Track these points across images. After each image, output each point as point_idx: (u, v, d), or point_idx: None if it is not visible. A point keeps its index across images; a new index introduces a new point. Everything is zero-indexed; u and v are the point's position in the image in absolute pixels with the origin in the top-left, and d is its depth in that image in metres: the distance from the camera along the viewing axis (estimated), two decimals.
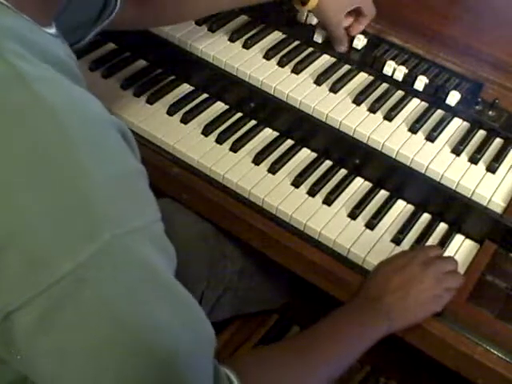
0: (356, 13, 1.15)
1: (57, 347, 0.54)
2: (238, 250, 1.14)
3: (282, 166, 1.07)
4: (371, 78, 1.14)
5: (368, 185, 1.07)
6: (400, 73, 1.12)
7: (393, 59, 1.13)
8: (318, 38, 1.18)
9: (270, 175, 1.05)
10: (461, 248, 0.99)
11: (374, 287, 0.90)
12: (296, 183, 1.04)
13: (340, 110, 1.07)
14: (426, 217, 1.03)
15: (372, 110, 1.07)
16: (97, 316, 0.54)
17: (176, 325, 0.58)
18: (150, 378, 0.56)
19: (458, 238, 1.01)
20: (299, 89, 1.10)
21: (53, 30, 0.67)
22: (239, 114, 1.15)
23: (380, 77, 1.13)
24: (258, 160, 1.06)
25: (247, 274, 1.16)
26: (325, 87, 1.11)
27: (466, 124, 1.09)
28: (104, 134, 0.60)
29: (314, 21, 1.20)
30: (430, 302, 0.89)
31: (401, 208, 1.04)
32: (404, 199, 1.05)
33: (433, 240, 0.99)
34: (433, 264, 0.91)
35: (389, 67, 1.12)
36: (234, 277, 1.13)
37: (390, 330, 0.87)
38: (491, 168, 1.01)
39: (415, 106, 1.10)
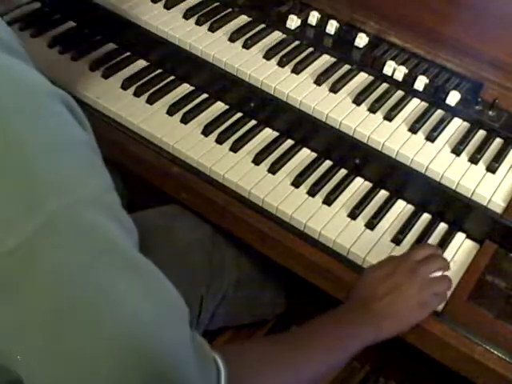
0: None
1: (14, 324, 0.54)
2: (237, 254, 1.14)
3: (282, 166, 1.07)
4: (371, 77, 1.14)
5: (368, 185, 1.07)
6: (400, 73, 1.12)
7: (393, 59, 1.13)
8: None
9: (269, 175, 1.05)
10: (461, 248, 0.99)
11: (362, 294, 0.89)
12: (296, 183, 1.04)
13: (340, 109, 1.07)
14: (425, 217, 1.03)
15: (372, 110, 1.07)
16: (50, 289, 0.53)
17: (136, 294, 0.56)
18: (111, 349, 0.54)
19: (458, 238, 1.01)
20: (299, 89, 1.10)
21: None
22: (239, 114, 1.15)
23: (380, 77, 1.13)
24: (257, 160, 1.06)
25: (243, 285, 1.16)
26: (325, 87, 1.11)
27: (465, 124, 1.09)
28: (42, 104, 0.58)
29: (314, 21, 1.20)
30: (417, 309, 0.88)
31: (401, 208, 1.04)
32: (404, 199, 1.05)
33: (433, 240, 0.99)
34: (419, 270, 0.89)
35: (389, 67, 1.12)
36: (231, 287, 1.13)
37: (378, 338, 0.86)
38: (491, 168, 1.01)
39: (415, 106, 1.10)
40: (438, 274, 0.92)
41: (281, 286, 1.29)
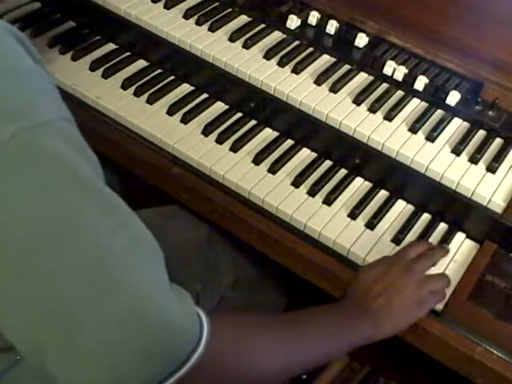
0: None
1: None
2: (232, 261, 1.14)
3: (282, 166, 1.07)
4: (371, 77, 1.14)
5: (368, 185, 1.07)
6: (400, 73, 1.12)
7: (393, 59, 1.13)
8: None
9: (270, 175, 1.05)
10: (461, 248, 0.99)
11: (357, 293, 0.89)
12: (296, 183, 1.04)
13: (340, 109, 1.07)
14: (426, 217, 1.03)
15: (372, 110, 1.07)
16: (12, 214, 0.53)
17: (104, 222, 0.56)
18: (83, 276, 0.54)
19: (458, 238, 1.01)
20: (299, 89, 1.10)
21: None
22: (239, 114, 1.15)
23: (380, 77, 1.13)
24: (257, 160, 1.06)
25: (242, 285, 1.16)
26: (325, 87, 1.11)
27: (465, 124, 1.09)
28: None
29: (314, 21, 1.20)
30: (413, 308, 0.88)
31: (401, 208, 1.04)
32: (404, 199, 1.05)
33: (433, 240, 0.99)
34: (414, 268, 0.90)
35: (389, 67, 1.12)
36: (229, 287, 1.13)
37: (375, 337, 0.86)
38: (491, 168, 1.01)
39: (415, 105, 1.10)
40: (434, 271, 0.92)
41: (281, 286, 1.29)
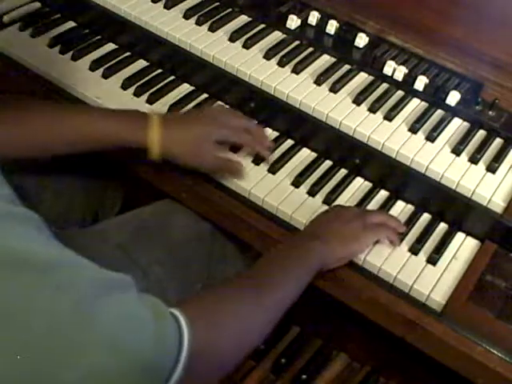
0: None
1: None
2: (237, 252, 1.14)
3: (282, 166, 1.07)
4: (371, 77, 1.14)
5: (368, 185, 1.07)
6: (400, 73, 1.12)
7: (393, 59, 1.13)
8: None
9: (269, 175, 1.05)
10: (461, 248, 0.99)
11: (309, 228, 0.96)
12: (296, 183, 1.04)
13: (340, 109, 1.07)
14: (426, 217, 1.03)
15: (372, 110, 1.07)
16: None
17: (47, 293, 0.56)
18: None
19: (458, 238, 1.01)
20: (299, 89, 1.10)
21: None
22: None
23: (380, 77, 1.13)
24: (257, 160, 1.06)
25: None
26: (325, 87, 1.11)
27: (466, 124, 1.09)
28: None
29: (314, 21, 1.20)
30: (361, 232, 0.94)
31: (401, 208, 1.04)
32: (404, 199, 1.05)
33: (433, 240, 0.99)
34: (365, 214, 0.97)
35: (389, 67, 1.12)
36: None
37: (329, 257, 0.91)
38: (491, 168, 1.01)
39: (415, 106, 1.10)
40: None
41: None
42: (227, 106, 1.16)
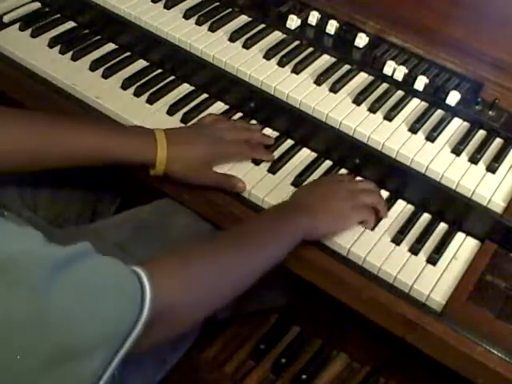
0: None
1: None
2: None
3: (283, 165, 1.07)
4: (371, 77, 1.14)
5: None
6: (400, 73, 1.12)
7: (393, 59, 1.13)
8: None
9: (270, 175, 1.05)
10: (461, 248, 0.99)
11: (295, 197, 0.97)
12: (296, 183, 1.04)
13: (340, 109, 1.07)
14: (425, 217, 1.03)
15: (372, 110, 1.07)
16: None
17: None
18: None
19: (458, 238, 1.00)
20: (299, 89, 1.10)
21: None
22: (239, 114, 1.15)
23: (380, 77, 1.13)
24: (258, 160, 1.06)
25: None
26: (325, 87, 1.11)
27: (466, 124, 1.09)
28: None
29: (314, 21, 1.20)
30: (348, 209, 0.96)
31: (401, 208, 1.04)
32: (404, 199, 1.05)
33: (433, 240, 0.99)
34: (350, 183, 1.00)
35: (389, 67, 1.12)
36: None
37: (315, 230, 0.93)
38: (491, 168, 1.01)
39: (415, 105, 1.10)
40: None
41: (284, 285, 1.29)
42: (227, 107, 1.16)
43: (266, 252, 0.87)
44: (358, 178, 1.06)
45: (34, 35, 1.24)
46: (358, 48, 1.17)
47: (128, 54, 1.24)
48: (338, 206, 0.95)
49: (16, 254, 0.59)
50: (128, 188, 1.27)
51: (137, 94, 1.15)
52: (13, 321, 0.56)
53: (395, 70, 1.12)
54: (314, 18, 1.20)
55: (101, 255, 0.67)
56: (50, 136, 0.93)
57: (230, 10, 1.24)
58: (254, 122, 1.14)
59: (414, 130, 1.05)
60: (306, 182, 1.04)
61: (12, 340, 0.56)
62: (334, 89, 1.10)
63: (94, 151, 0.96)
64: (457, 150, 1.03)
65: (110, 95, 1.14)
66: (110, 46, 1.25)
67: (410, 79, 1.12)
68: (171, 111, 1.13)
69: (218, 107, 1.16)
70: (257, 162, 1.06)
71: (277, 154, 1.09)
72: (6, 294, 0.57)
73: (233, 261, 0.82)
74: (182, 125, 1.11)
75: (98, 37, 1.26)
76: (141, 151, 0.97)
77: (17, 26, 1.25)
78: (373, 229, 0.99)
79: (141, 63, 1.23)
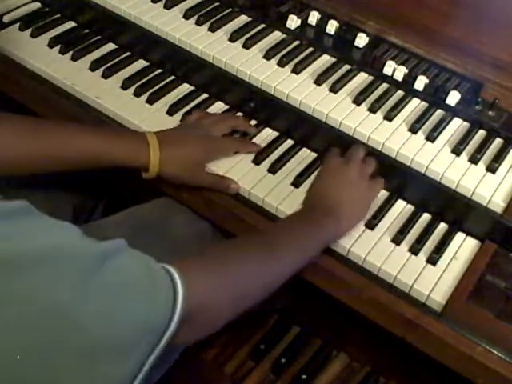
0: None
1: None
2: None
3: (282, 165, 1.07)
4: (371, 77, 1.14)
5: None
6: (400, 73, 1.12)
7: (393, 59, 1.13)
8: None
9: (269, 175, 1.05)
10: (461, 248, 0.99)
11: (316, 199, 0.98)
12: (296, 183, 1.04)
13: (340, 109, 1.07)
14: (426, 217, 1.03)
15: (372, 110, 1.07)
16: None
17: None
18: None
19: (458, 238, 1.00)
20: (299, 89, 1.10)
21: None
22: (239, 114, 1.15)
23: (380, 77, 1.13)
24: (258, 160, 1.06)
25: None
26: (325, 87, 1.11)
27: (466, 124, 1.09)
28: None
29: (314, 21, 1.20)
30: (365, 200, 1.00)
31: (401, 208, 1.04)
32: (404, 199, 1.05)
33: (433, 240, 0.99)
34: (356, 169, 1.01)
35: (389, 67, 1.12)
36: None
37: (342, 229, 0.95)
38: (491, 168, 1.01)
39: (415, 105, 1.10)
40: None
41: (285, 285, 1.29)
42: (227, 107, 1.16)
43: (293, 257, 0.87)
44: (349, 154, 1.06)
45: (34, 35, 1.24)
46: (357, 48, 1.17)
47: (128, 53, 1.24)
48: (358, 195, 0.99)
49: (60, 245, 0.60)
50: (128, 187, 1.26)
51: (137, 93, 1.15)
52: (56, 308, 0.56)
53: (395, 70, 1.12)
54: (313, 18, 1.20)
55: (135, 251, 0.67)
56: (42, 141, 0.94)
57: (230, 9, 1.24)
58: (253, 122, 1.14)
59: (413, 129, 1.05)
60: (305, 182, 1.04)
61: (50, 329, 0.56)
62: (333, 89, 1.10)
63: (86, 156, 0.96)
64: (457, 150, 1.03)
65: (110, 95, 1.14)
66: (110, 46, 1.25)
67: (409, 79, 1.11)
68: (171, 111, 1.13)
69: (218, 107, 1.16)
70: (257, 162, 1.06)
71: (277, 153, 1.09)
72: (52, 282, 0.57)
73: (261, 262, 0.83)
74: None
75: (98, 37, 1.26)
76: (133, 156, 0.97)
77: (17, 25, 1.26)
78: (373, 228, 0.99)
79: (141, 63, 1.23)
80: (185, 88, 1.19)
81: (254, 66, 1.13)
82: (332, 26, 1.18)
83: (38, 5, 1.33)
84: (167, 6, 1.23)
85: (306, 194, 1.01)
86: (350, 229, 0.97)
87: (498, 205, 0.97)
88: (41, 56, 1.20)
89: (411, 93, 1.11)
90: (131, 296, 0.63)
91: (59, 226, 0.63)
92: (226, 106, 1.16)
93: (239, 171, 1.04)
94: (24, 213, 0.61)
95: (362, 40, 1.16)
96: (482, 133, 1.07)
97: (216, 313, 0.76)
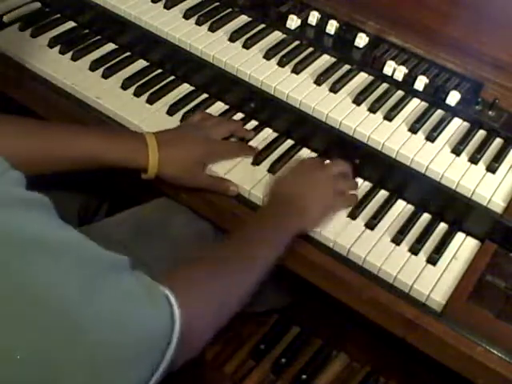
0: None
1: None
2: None
3: (282, 166, 1.07)
4: (371, 77, 1.14)
5: (368, 185, 1.07)
6: (400, 73, 1.12)
7: (393, 59, 1.13)
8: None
9: (269, 175, 1.05)
10: (461, 248, 0.99)
11: (280, 195, 0.97)
12: None
13: (340, 109, 1.07)
14: (426, 217, 1.03)
15: (372, 110, 1.07)
16: None
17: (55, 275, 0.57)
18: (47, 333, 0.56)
19: (458, 238, 1.00)
20: (299, 89, 1.10)
21: None
22: (239, 115, 1.15)
23: (380, 77, 1.13)
24: (258, 160, 1.06)
25: None
26: (325, 87, 1.11)
27: (466, 124, 1.09)
28: None
29: (314, 21, 1.20)
30: (333, 197, 0.99)
31: (401, 208, 1.04)
32: (404, 199, 1.05)
33: (433, 240, 0.99)
34: (322, 168, 1.01)
35: (389, 67, 1.12)
36: None
37: (306, 224, 0.96)
38: (491, 168, 1.01)
39: (415, 106, 1.10)
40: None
41: (283, 285, 1.29)
42: (227, 107, 1.16)
43: (263, 260, 0.87)
44: (328, 161, 1.06)
45: (34, 35, 1.24)
46: (357, 48, 1.17)
47: (128, 53, 1.24)
48: (323, 198, 0.98)
49: (67, 240, 0.60)
50: (128, 187, 1.26)
51: (137, 93, 1.15)
52: (59, 308, 0.56)
53: (395, 70, 1.12)
54: (314, 18, 1.20)
55: (134, 272, 0.67)
56: (42, 142, 0.94)
57: (230, 9, 1.24)
58: (254, 122, 1.14)
59: (414, 129, 1.05)
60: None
61: (51, 329, 0.56)
62: (333, 89, 1.10)
63: (85, 157, 0.96)
64: (457, 150, 1.03)
65: (110, 95, 1.14)
66: (110, 46, 1.25)
67: (409, 79, 1.11)
68: (171, 111, 1.13)
69: (218, 107, 1.16)
70: (257, 162, 1.06)
71: (277, 153, 1.09)
72: (63, 277, 0.57)
73: (241, 271, 0.83)
74: None
75: (98, 37, 1.26)
76: (132, 156, 0.97)
77: (17, 26, 1.26)
78: (373, 228, 0.99)
79: (141, 63, 1.23)
80: (185, 88, 1.19)
81: (254, 65, 1.13)
82: (332, 26, 1.18)
83: (38, 5, 1.33)
84: (167, 6, 1.23)
85: (272, 186, 1.00)
86: (317, 223, 0.97)
87: (497, 205, 0.97)
88: (41, 56, 1.20)
89: (411, 93, 1.11)
90: (137, 307, 0.63)
91: (65, 224, 0.64)
92: (226, 106, 1.16)
93: (239, 171, 1.04)
94: (47, 207, 0.62)
95: (361, 40, 1.16)
96: (482, 133, 1.07)
97: (203, 326, 0.76)
